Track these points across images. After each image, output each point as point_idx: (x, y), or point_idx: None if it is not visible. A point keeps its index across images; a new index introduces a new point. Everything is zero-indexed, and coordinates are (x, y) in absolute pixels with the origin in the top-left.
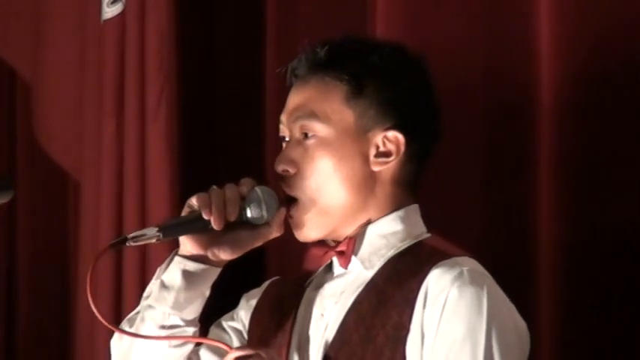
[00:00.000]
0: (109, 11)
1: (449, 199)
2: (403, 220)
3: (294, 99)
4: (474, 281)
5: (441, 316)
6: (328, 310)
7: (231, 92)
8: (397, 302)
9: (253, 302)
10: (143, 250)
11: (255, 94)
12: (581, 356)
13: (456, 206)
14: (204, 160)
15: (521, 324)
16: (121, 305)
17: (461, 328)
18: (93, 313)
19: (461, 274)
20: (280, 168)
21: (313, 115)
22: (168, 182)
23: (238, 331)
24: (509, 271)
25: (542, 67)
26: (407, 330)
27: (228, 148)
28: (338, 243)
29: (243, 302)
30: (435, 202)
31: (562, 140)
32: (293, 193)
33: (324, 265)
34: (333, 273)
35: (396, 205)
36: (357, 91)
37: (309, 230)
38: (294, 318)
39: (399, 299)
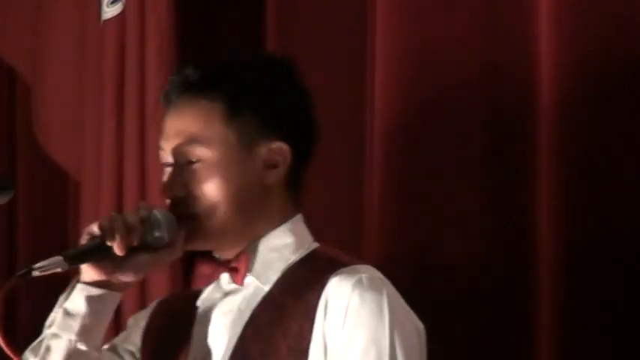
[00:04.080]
0: (109, 11)
1: (448, 199)
2: (293, 231)
3: (172, 125)
4: (374, 287)
5: (343, 325)
6: (226, 327)
7: None
8: (296, 314)
9: (143, 323)
10: None
11: None
12: (582, 356)
13: (455, 206)
14: None
15: (420, 326)
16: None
17: (364, 335)
18: None
19: (360, 281)
20: (170, 195)
21: (195, 141)
22: None
23: (131, 353)
24: (509, 271)
25: (542, 67)
26: (308, 340)
27: None
28: (227, 261)
29: (132, 323)
30: (435, 202)
31: (562, 140)
32: (189, 212)
33: (214, 282)
34: (224, 290)
35: (283, 217)
36: (234, 110)
37: (204, 242)
38: (189, 338)
39: (298, 311)
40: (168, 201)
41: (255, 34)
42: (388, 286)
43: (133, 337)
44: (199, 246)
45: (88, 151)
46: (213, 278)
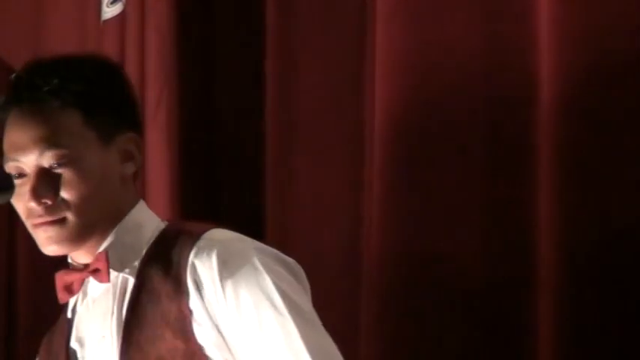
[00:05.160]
0: (109, 11)
1: (448, 199)
2: (140, 218)
3: (29, 134)
4: (239, 252)
5: (225, 300)
6: (108, 328)
7: (231, 92)
8: (170, 295)
9: None
10: None
11: (256, 94)
12: (582, 356)
13: (456, 205)
14: (204, 160)
15: (289, 260)
16: None
17: (251, 300)
18: None
19: (218, 247)
20: (39, 202)
21: (58, 144)
22: (168, 182)
23: None
24: (509, 272)
25: (542, 67)
26: (189, 320)
27: (228, 148)
28: (85, 265)
29: None
30: (435, 202)
31: (562, 140)
32: (59, 216)
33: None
34: (92, 296)
35: (130, 204)
36: (89, 109)
37: (66, 245)
38: (67, 354)
39: (170, 291)
40: (33, 208)
41: (255, 34)
42: (250, 244)
43: None
44: (68, 249)
45: None
46: (76, 287)
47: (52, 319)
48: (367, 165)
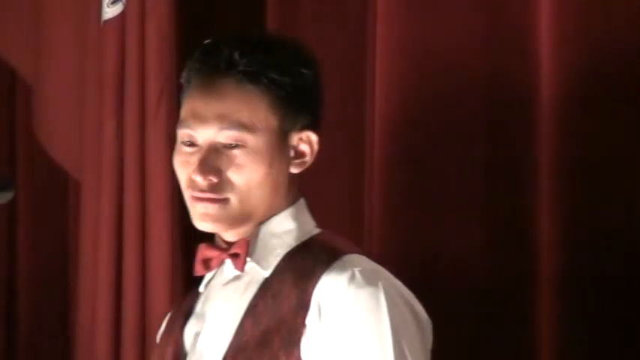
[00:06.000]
0: (109, 11)
1: (449, 200)
2: (295, 217)
3: (212, 108)
4: (369, 281)
5: (340, 324)
6: (226, 315)
7: None
8: (292, 305)
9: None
10: (142, 243)
11: None
12: (582, 356)
13: (456, 206)
14: None
15: (422, 314)
16: (120, 301)
17: (363, 333)
18: (93, 313)
19: (353, 276)
20: (204, 177)
21: (242, 126)
22: (168, 182)
23: None
24: (509, 272)
25: (542, 67)
26: (300, 334)
27: None
28: (229, 244)
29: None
30: (435, 203)
31: (562, 140)
32: (222, 196)
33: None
34: (226, 277)
35: (289, 201)
36: (279, 97)
37: (221, 226)
38: (182, 329)
39: (293, 302)
40: (198, 181)
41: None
42: (383, 276)
43: None
44: (222, 230)
45: (88, 151)
46: (214, 264)
47: (52, 318)
48: (367, 165)
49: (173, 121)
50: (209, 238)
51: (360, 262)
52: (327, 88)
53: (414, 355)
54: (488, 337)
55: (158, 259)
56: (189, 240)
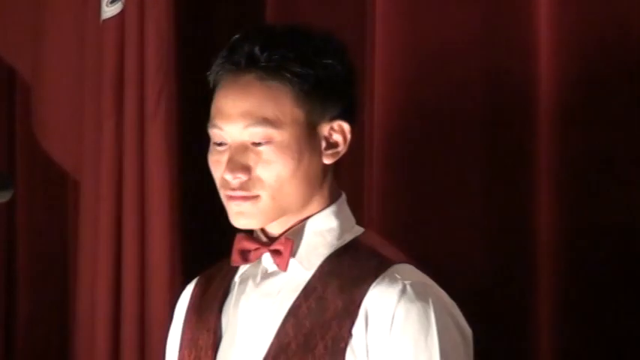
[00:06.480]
0: (109, 11)
1: (449, 199)
2: (337, 215)
3: (238, 105)
4: (419, 296)
5: (389, 337)
6: (265, 311)
7: None
8: (337, 312)
9: (184, 307)
10: (141, 241)
11: None
12: (582, 356)
13: (456, 206)
14: (203, 159)
15: (467, 331)
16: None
17: (412, 347)
18: (93, 312)
19: (404, 290)
20: (233, 176)
21: (267, 123)
22: (168, 182)
23: None
24: (509, 272)
25: (542, 67)
26: (346, 343)
27: None
28: (271, 239)
29: (176, 314)
30: (435, 202)
31: (562, 140)
32: (253, 193)
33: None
34: (265, 269)
35: (331, 197)
36: (303, 90)
37: (256, 222)
38: (219, 317)
39: (339, 309)
40: (228, 180)
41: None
42: (433, 291)
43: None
44: (257, 225)
45: (87, 150)
46: (254, 257)
47: (52, 318)
48: (367, 165)
49: (172, 120)
50: (208, 238)
51: (410, 273)
52: None
53: None
54: (487, 337)
55: (157, 258)
56: (188, 239)
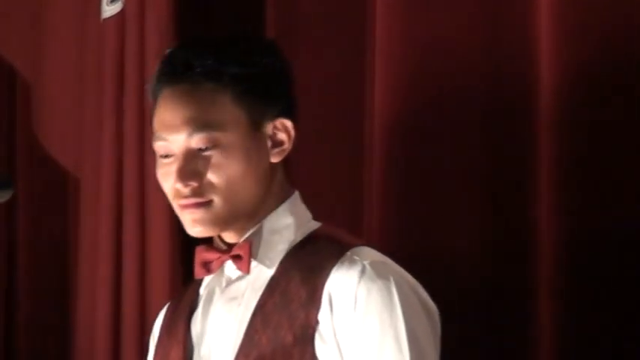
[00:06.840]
0: (109, 10)
1: (448, 200)
2: (292, 211)
3: (179, 113)
4: (380, 274)
5: (354, 318)
6: (233, 315)
7: None
8: (302, 302)
9: (157, 331)
10: (142, 241)
11: None
12: (582, 356)
13: (456, 206)
14: None
15: (430, 304)
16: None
17: (378, 325)
18: (93, 313)
19: (363, 270)
20: (185, 184)
21: (210, 126)
22: None
23: None
24: (510, 272)
25: (542, 68)
26: (314, 330)
27: None
28: (228, 245)
29: (151, 343)
30: (435, 203)
31: (562, 140)
32: (205, 199)
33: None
34: (227, 276)
35: (283, 195)
36: (241, 90)
37: (212, 228)
38: (188, 329)
39: (303, 299)
40: (180, 189)
41: (254, 33)
42: (393, 270)
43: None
44: (213, 231)
45: (87, 150)
46: (215, 267)
47: (52, 318)
48: (367, 165)
49: None
50: (206, 239)
51: (368, 254)
52: (326, 89)
53: (427, 346)
54: (488, 336)
55: (157, 258)
56: (188, 238)
